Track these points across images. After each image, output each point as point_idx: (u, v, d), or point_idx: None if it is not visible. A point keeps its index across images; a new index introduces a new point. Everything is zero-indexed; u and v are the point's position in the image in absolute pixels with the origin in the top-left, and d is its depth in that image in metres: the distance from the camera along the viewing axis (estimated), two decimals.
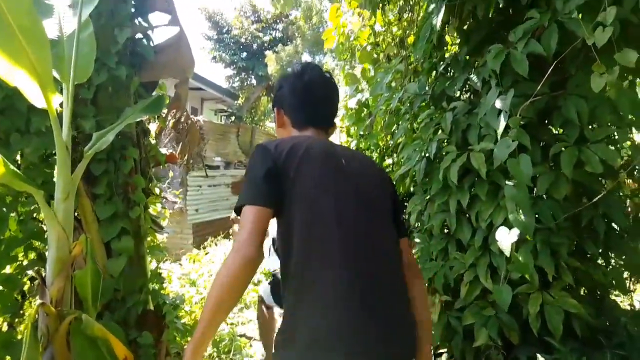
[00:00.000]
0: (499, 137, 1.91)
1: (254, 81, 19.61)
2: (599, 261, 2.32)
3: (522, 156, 1.82)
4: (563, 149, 2.02)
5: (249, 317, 4.38)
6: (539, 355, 1.96)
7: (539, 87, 1.91)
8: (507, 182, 1.96)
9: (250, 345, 3.72)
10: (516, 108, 1.95)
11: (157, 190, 2.95)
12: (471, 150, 2.17)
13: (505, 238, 1.93)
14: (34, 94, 1.76)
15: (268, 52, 17.87)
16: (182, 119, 3.05)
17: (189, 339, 3.12)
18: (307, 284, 1.16)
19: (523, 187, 1.82)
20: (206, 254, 6.62)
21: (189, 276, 5.06)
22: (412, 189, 2.90)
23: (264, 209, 1.17)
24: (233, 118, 18.57)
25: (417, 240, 2.81)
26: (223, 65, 19.79)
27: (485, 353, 2.33)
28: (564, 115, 2.00)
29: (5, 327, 2.46)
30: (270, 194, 1.20)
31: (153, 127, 3.09)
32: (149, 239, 2.83)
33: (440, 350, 2.65)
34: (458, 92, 2.55)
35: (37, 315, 1.85)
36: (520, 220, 1.86)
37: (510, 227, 1.97)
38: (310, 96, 1.47)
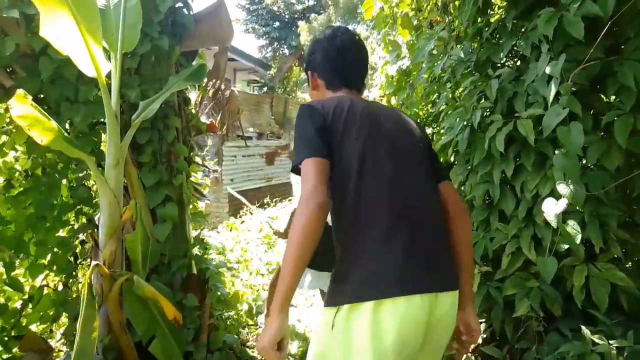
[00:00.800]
0: (549, 104, 1.84)
1: (286, 51, 19.45)
2: None
3: (574, 124, 1.75)
4: (616, 117, 1.93)
5: None
6: (583, 327, 1.93)
7: (591, 51, 1.81)
8: (556, 151, 1.90)
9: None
10: (567, 74, 1.87)
11: (197, 159, 3.02)
12: (518, 118, 2.10)
13: (552, 209, 1.88)
14: (84, 63, 1.80)
15: (301, 22, 17.63)
16: (222, 89, 3.07)
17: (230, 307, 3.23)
18: (357, 233, 1.27)
19: (573, 156, 1.76)
20: (242, 222, 6.78)
21: (223, 244, 5.21)
22: (452, 159, 2.84)
23: (323, 160, 1.26)
24: (265, 89, 18.57)
25: None
26: (255, 36, 19.69)
27: (525, 324, 2.32)
28: (619, 81, 1.90)
29: (60, 287, 2.61)
30: (325, 147, 1.28)
31: (192, 96, 3.13)
32: (190, 206, 2.91)
33: (479, 320, 2.65)
34: (504, 59, 2.45)
35: (92, 276, 1.95)
36: (569, 191, 1.81)
37: (557, 198, 1.92)
38: (342, 59, 1.53)
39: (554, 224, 1.88)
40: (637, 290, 2.03)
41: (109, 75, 2.01)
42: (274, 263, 4.97)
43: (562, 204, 1.84)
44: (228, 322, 3.11)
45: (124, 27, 1.84)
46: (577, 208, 1.95)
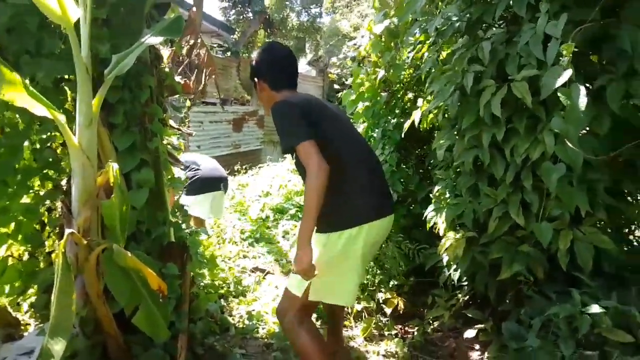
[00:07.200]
0: (549, 65, 1.80)
1: (250, 15, 18.70)
2: (631, 199, 2.28)
3: (574, 85, 1.71)
4: (606, 82, 1.92)
5: (260, 251, 4.42)
6: (573, 290, 1.96)
7: (594, 12, 1.77)
8: (555, 113, 1.87)
9: (264, 278, 3.77)
10: (565, 36, 1.82)
11: (172, 122, 2.84)
12: (511, 81, 2.05)
13: (552, 173, 1.87)
14: (49, 7, 1.60)
15: None
16: (197, 46, 2.87)
17: (205, 271, 3.15)
18: (342, 183, 1.89)
19: (575, 118, 1.73)
20: None
21: None
22: (437, 123, 2.79)
23: (314, 140, 1.77)
24: (229, 53, 17.88)
25: (440, 176, 2.75)
26: None
27: (508, 287, 2.36)
28: (616, 45, 1.87)
29: (26, 257, 2.43)
30: (312, 131, 1.80)
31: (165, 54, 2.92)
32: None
33: (462, 284, 2.68)
34: (495, 20, 2.37)
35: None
36: (567, 153, 1.79)
37: (549, 161, 1.91)
38: (282, 66, 2.10)
39: (552, 188, 1.87)
40: (620, 253, 2.08)
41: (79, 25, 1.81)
42: (248, 231, 4.89)
43: (562, 168, 1.83)
44: (206, 291, 3.03)
45: None
46: (566, 172, 1.95)
